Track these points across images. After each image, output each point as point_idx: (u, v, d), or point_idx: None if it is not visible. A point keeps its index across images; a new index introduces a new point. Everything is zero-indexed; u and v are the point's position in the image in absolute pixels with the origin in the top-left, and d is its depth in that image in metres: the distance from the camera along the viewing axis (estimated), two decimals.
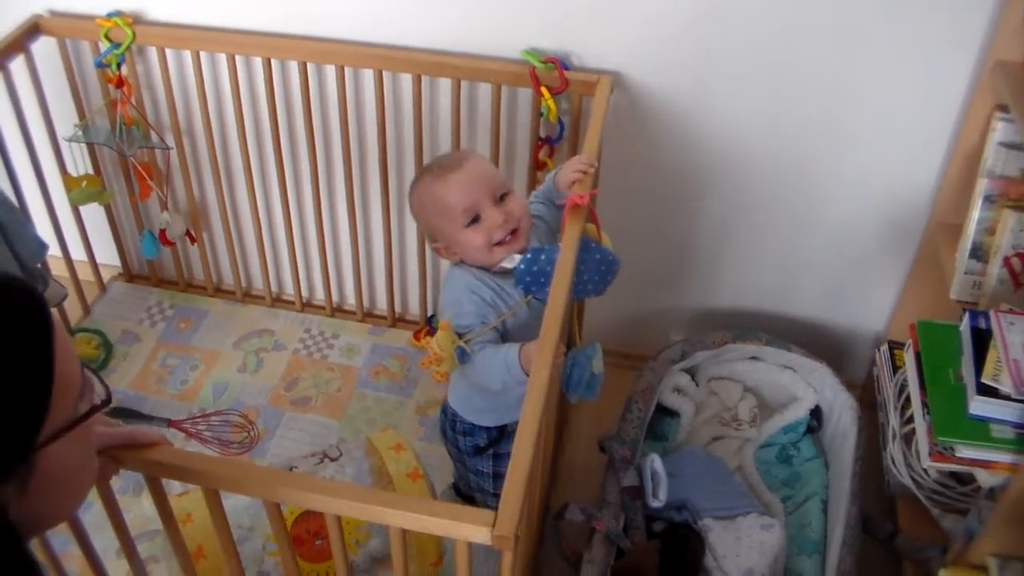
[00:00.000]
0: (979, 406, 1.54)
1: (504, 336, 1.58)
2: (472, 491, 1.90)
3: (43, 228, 2.19)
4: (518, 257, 1.55)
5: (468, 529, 1.10)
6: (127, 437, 1.19)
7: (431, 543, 1.75)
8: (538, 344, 1.32)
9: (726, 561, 1.75)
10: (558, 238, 1.55)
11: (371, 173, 2.21)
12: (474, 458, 1.80)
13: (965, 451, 1.57)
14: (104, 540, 1.46)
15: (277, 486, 1.18)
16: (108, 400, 0.96)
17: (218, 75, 2.14)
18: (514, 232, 1.57)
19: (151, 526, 1.83)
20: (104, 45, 2.07)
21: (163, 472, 1.23)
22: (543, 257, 1.53)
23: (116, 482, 1.27)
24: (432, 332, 2.38)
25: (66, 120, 2.21)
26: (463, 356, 1.51)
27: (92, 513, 1.49)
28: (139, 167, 2.26)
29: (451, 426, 1.80)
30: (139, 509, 1.92)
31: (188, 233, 2.41)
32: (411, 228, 2.29)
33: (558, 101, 1.93)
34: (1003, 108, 1.71)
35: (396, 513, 1.13)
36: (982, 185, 1.72)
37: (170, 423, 2.19)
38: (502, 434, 1.76)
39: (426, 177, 1.62)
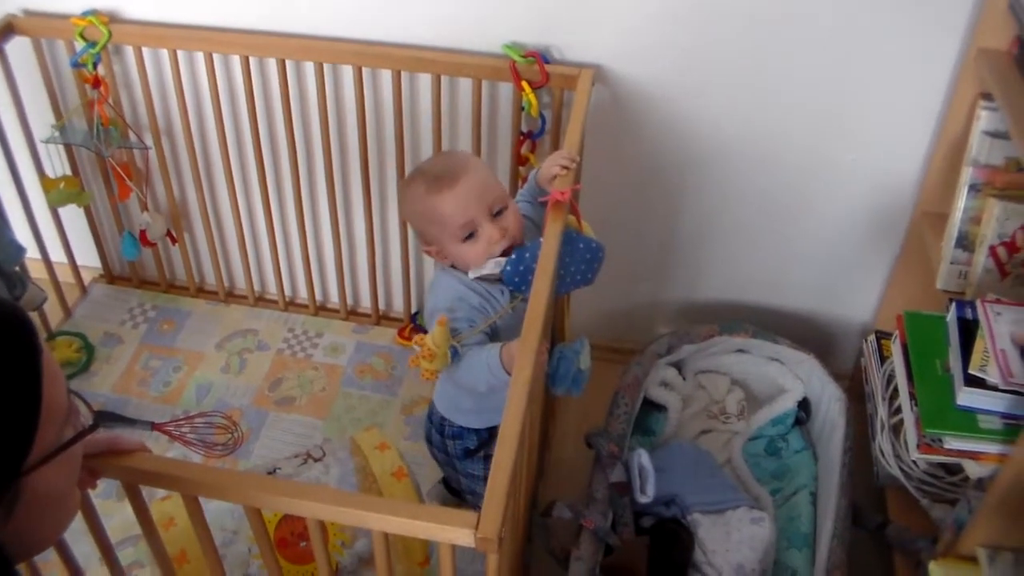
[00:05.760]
0: (967, 397, 1.54)
1: (493, 339, 1.56)
2: (463, 493, 1.88)
3: (21, 231, 2.17)
4: (503, 260, 1.53)
5: (451, 532, 1.09)
6: (107, 444, 1.18)
7: (418, 543, 1.73)
8: (520, 341, 1.30)
9: (716, 556, 1.74)
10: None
11: (352, 170, 2.19)
12: (464, 461, 1.78)
13: (953, 442, 1.56)
14: (87, 546, 1.45)
15: (255, 491, 1.17)
16: (95, 426, 0.97)
17: (196, 74, 2.11)
18: (510, 247, 1.55)
19: (136, 530, 1.79)
20: (80, 44, 2.04)
21: (141, 479, 1.21)
22: (527, 255, 1.51)
23: (99, 486, 1.25)
24: (417, 329, 2.36)
25: (42, 121, 2.18)
26: (455, 355, 1.49)
27: (74, 519, 1.47)
28: (117, 168, 2.23)
29: (439, 431, 1.78)
30: (123, 514, 1.89)
31: (169, 233, 2.39)
32: (394, 225, 2.27)
33: (539, 95, 1.91)
34: (987, 96, 1.71)
35: (377, 516, 1.12)
36: (967, 174, 1.72)
37: (153, 426, 2.17)
38: (492, 436, 1.74)
39: (420, 184, 1.56)
